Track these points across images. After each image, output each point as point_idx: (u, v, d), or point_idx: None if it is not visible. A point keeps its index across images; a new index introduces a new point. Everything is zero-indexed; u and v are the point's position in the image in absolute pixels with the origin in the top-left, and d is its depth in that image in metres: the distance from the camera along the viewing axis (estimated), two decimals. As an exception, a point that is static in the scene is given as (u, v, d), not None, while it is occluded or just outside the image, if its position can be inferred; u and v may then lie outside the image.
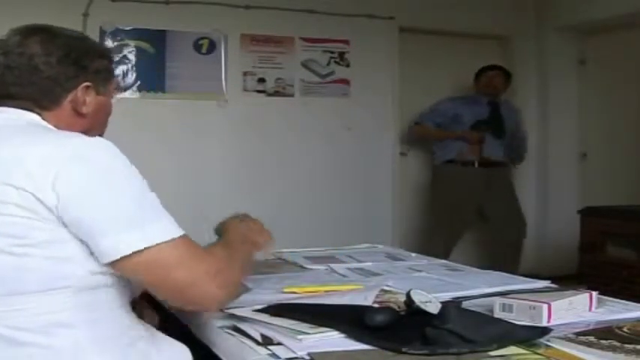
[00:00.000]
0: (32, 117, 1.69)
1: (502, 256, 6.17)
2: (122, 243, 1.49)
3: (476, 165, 6.15)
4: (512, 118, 6.38)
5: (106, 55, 1.86)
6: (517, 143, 6.41)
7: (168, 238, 1.53)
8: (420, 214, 6.77)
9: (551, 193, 6.94)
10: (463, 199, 6.14)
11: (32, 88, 1.69)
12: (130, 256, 1.49)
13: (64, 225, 1.49)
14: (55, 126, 1.70)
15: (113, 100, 1.91)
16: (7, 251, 1.48)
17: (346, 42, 6.20)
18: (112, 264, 1.51)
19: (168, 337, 1.76)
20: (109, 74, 1.85)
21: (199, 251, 1.61)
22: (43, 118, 1.70)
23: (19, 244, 1.48)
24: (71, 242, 1.50)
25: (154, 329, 1.76)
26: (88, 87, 1.75)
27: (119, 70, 5.55)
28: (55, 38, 1.73)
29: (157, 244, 1.51)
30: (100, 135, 1.81)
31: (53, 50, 1.70)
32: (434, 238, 6.17)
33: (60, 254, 1.50)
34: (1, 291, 1.50)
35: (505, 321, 1.71)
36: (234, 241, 1.85)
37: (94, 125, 1.81)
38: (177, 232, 1.56)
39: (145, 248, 1.50)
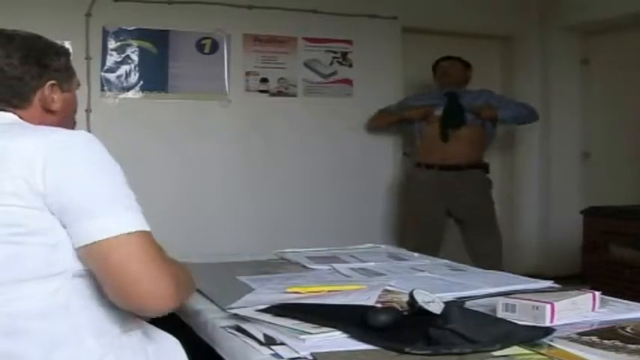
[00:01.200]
0: (12, 116, 1.74)
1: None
2: (85, 231, 1.51)
3: (437, 168, 5.66)
4: (479, 101, 5.78)
5: (63, 52, 1.89)
6: (509, 115, 5.81)
7: (132, 230, 1.54)
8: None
9: (554, 193, 6.92)
10: (430, 204, 5.68)
11: (1, 89, 1.73)
12: (90, 245, 1.51)
13: (52, 212, 1.52)
14: (30, 124, 1.73)
15: (78, 96, 1.98)
16: (4, 240, 1.51)
17: (349, 42, 6.19)
18: (77, 251, 1.53)
19: (159, 330, 1.78)
20: (70, 71, 1.90)
21: (161, 250, 1.62)
22: (21, 116, 1.75)
23: (16, 232, 1.51)
24: (60, 229, 1.53)
25: (146, 322, 1.77)
26: (53, 85, 1.81)
27: (122, 70, 5.57)
28: (11, 39, 1.76)
29: (117, 235, 1.51)
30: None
31: (12, 51, 1.74)
32: (406, 243, 5.31)
33: (53, 240, 1.53)
34: (1, 278, 1.52)
35: (508, 321, 1.72)
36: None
37: (64, 122, 1.86)
38: (142, 226, 1.56)
39: (106, 238, 1.51)
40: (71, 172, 1.53)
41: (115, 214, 1.53)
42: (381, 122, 6.11)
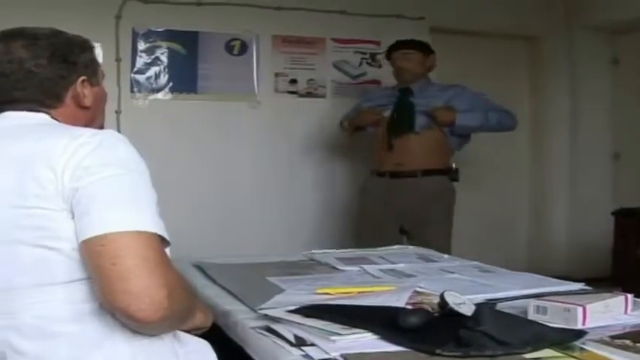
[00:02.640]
0: (44, 117, 1.74)
1: None
2: (86, 225, 1.48)
3: (388, 176, 4.92)
4: (440, 100, 4.86)
5: (87, 47, 1.88)
6: (473, 124, 4.85)
7: (135, 229, 1.49)
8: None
9: (583, 194, 6.87)
10: (382, 217, 4.88)
11: (33, 90, 1.73)
12: (89, 239, 1.47)
13: (73, 215, 1.51)
14: (65, 122, 1.74)
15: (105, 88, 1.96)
16: (33, 244, 1.51)
17: (377, 43, 6.18)
18: (80, 247, 1.50)
19: (187, 334, 1.76)
20: (95, 64, 1.89)
21: (165, 257, 1.55)
22: (52, 117, 1.75)
23: (43, 236, 1.51)
24: None
25: None
26: (83, 80, 1.80)
27: (151, 72, 5.60)
28: (36, 39, 1.75)
29: (117, 232, 1.47)
30: (102, 125, 1.90)
31: (40, 52, 1.74)
32: None
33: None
34: (30, 282, 1.52)
35: (539, 323, 1.71)
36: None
37: (96, 116, 1.87)
38: (148, 228, 1.51)
39: (104, 233, 1.47)
40: (92, 171, 1.51)
41: (122, 213, 1.50)
42: (347, 133, 5.35)
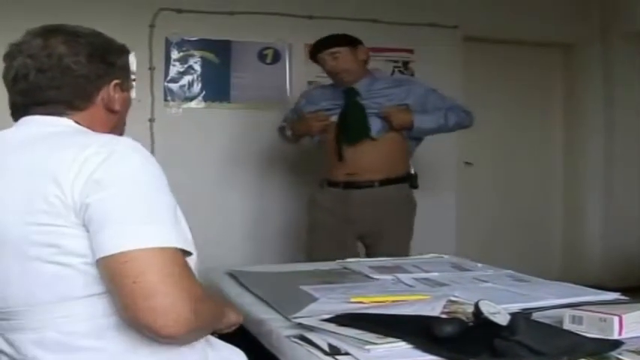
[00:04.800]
0: (67, 122, 1.70)
1: None
2: (104, 242, 1.46)
3: (341, 187, 4.35)
4: (391, 99, 4.31)
5: (125, 51, 1.86)
6: (431, 125, 4.32)
7: (155, 245, 1.47)
8: (485, 225, 6.71)
9: (618, 203, 6.81)
10: (337, 232, 4.28)
11: (67, 89, 1.69)
12: (108, 257, 1.45)
13: (84, 226, 1.49)
14: (89, 126, 1.71)
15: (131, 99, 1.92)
16: (48, 260, 1.50)
17: (410, 51, 6.18)
18: (97, 264, 1.48)
19: (221, 341, 1.76)
20: (129, 70, 1.87)
21: (187, 270, 1.53)
22: (77, 120, 1.71)
23: (56, 252, 1.49)
24: None
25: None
26: (117, 84, 1.77)
27: (185, 80, 5.64)
28: (77, 37, 1.73)
29: (137, 249, 1.45)
30: (121, 131, 1.84)
31: (80, 49, 1.70)
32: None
33: (94, 260, 1.49)
34: (51, 298, 1.52)
35: (575, 333, 1.70)
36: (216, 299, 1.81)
37: (121, 121, 1.84)
38: (168, 242, 1.49)
39: (124, 251, 1.44)
40: (104, 185, 1.48)
41: (140, 228, 1.47)
42: (289, 141, 4.87)
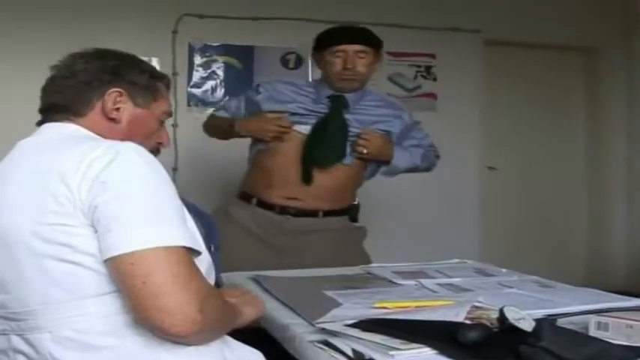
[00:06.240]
0: (75, 128, 1.75)
1: None
2: (111, 243, 1.49)
3: (277, 211, 3.50)
4: (380, 120, 3.56)
5: (150, 72, 1.89)
6: (405, 165, 3.62)
7: (162, 244, 1.49)
8: (508, 230, 6.68)
9: (642, 208, 6.78)
10: (258, 260, 3.28)
11: (67, 93, 1.76)
12: (115, 257, 1.48)
13: (92, 226, 1.52)
14: (95, 134, 1.75)
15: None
16: (59, 258, 1.52)
17: (432, 56, 6.19)
18: (105, 264, 1.51)
19: (238, 342, 1.76)
20: (152, 91, 1.88)
21: (195, 270, 1.55)
22: (85, 126, 1.76)
23: (67, 251, 1.52)
24: None
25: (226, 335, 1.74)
26: (119, 93, 1.79)
27: (208, 86, 5.67)
28: (101, 53, 1.82)
29: (144, 249, 1.47)
30: None
31: (93, 60, 1.79)
32: None
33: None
34: (66, 296, 1.54)
35: (601, 340, 1.68)
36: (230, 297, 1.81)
37: (132, 137, 1.79)
38: (175, 242, 1.52)
39: (131, 251, 1.47)
40: (110, 186, 1.51)
41: (147, 228, 1.50)
42: (215, 135, 3.99)
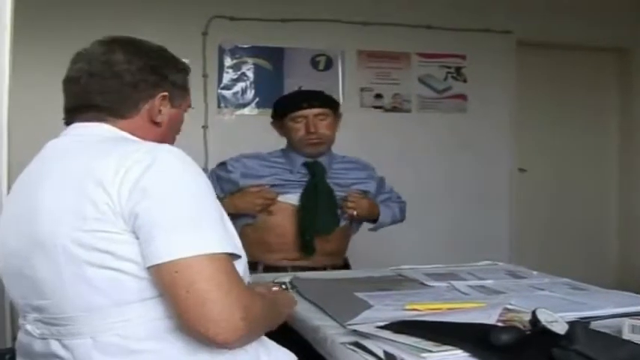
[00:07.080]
0: (110, 129, 1.73)
1: None
2: (154, 251, 1.49)
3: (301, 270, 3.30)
4: (356, 182, 3.61)
5: (183, 69, 1.89)
6: (389, 220, 3.70)
7: (203, 252, 1.49)
8: (538, 232, 6.64)
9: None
10: None
11: (113, 95, 1.73)
12: (159, 265, 1.49)
13: (132, 232, 1.51)
14: (131, 134, 1.74)
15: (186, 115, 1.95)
16: (102, 265, 1.52)
17: (463, 57, 6.16)
18: (148, 271, 1.51)
19: (274, 343, 1.76)
20: (185, 90, 1.89)
21: (236, 277, 1.55)
22: (121, 128, 1.74)
23: (108, 258, 1.52)
24: None
25: (264, 336, 1.74)
26: (165, 97, 1.80)
27: (238, 87, 5.68)
28: (137, 48, 1.79)
29: (186, 257, 1.47)
30: None
31: (134, 59, 1.75)
32: None
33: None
34: (108, 302, 1.54)
35: (635, 343, 1.66)
36: (268, 299, 1.79)
37: (166, 137, 1.83)
38: (215, 249, 1.51)
39: (174, 260, 1.47)
40: (150, 193, 1.50)
41: (189, 235, 1.50)
42: None
